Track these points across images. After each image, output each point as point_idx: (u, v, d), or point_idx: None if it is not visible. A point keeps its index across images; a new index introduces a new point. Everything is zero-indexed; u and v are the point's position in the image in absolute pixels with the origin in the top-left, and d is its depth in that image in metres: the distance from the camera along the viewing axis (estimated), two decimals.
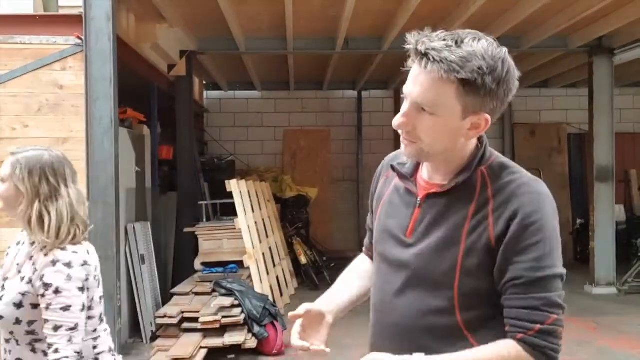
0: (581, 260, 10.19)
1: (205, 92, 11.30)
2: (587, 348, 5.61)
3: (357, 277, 1.68)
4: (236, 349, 5.28)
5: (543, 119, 11.78)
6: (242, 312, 5.38)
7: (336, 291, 1.64)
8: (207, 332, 5.26)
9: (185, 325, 5.32)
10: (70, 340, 1.78)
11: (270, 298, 6.19)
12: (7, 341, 1.91)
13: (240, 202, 6.70)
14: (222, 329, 5.30)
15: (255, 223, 7.13)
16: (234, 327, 5.34)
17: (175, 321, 5.27)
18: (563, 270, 1.30)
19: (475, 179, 1.36)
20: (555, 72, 10.18)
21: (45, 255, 1.83)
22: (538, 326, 1.24)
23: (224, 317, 5.27)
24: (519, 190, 1.31)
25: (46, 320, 1.79)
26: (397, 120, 1.34)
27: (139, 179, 6.46)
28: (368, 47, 8.05)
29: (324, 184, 11.19)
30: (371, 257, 1.65)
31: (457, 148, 1.37)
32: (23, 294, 1.83)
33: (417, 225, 1.39)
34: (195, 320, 5.25)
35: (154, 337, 5.67)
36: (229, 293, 5.54)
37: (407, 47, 1.31)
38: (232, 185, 6.74)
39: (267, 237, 7.71)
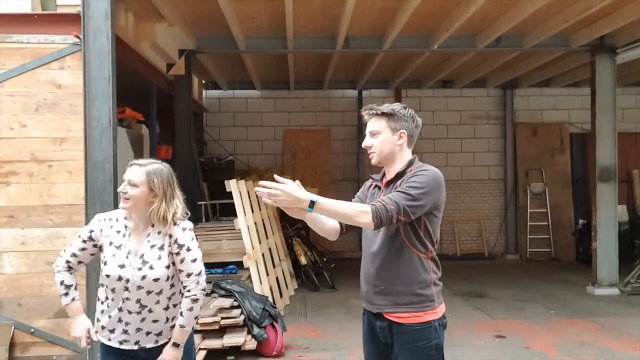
0: (583, 261, 10.17)
1: (204, 92, 11.26)
2: (589, 349, 5.58)
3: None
4: (236, 350, 5.25)
5: (545, 119, 11.74)
6: (242, 313, 5.34)
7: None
8: (206, 334, 5.22)
9: None
10: (198, 283, 2.64)
11: (270, 299, 6.15)
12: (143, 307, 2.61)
13: (239, 202, 6.66)
14: (222, 331, 5.26)
15: (255, 223, 7.08)
16: (233, 328, 5.31)
17: None
18: (415, 195, 2.41)
19: (407, 172, 2.55)
20: (557, 71, 10.13)
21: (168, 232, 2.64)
22: (381, 202, 2.39)
23: (223, 318, 5.24)
24: (420, 168, 2.55)
25: (180, 271, 2.64)
26: (364, 143, 2.64)
27: None
28: (368, 46, 8.01)
29: (324, 184, 11.15)
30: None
31: (396, 155, 2.60)
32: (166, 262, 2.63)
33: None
34: None
35: None
36: (229, 294, 5.50)
37: (362, 112, 2.66)
38: (232, 185, 6.69)
39: (267, 237, 7.67)
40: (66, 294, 2.69)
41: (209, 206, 8.00)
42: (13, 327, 4.95)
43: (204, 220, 7.48)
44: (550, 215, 11.39)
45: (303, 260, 8.59)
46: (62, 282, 2.68)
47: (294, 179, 2.40)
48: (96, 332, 2.70)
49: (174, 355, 2.62)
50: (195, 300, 2.62)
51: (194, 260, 2.65)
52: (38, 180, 5.05)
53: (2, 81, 5.04)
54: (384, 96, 11.59)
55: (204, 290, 2.68)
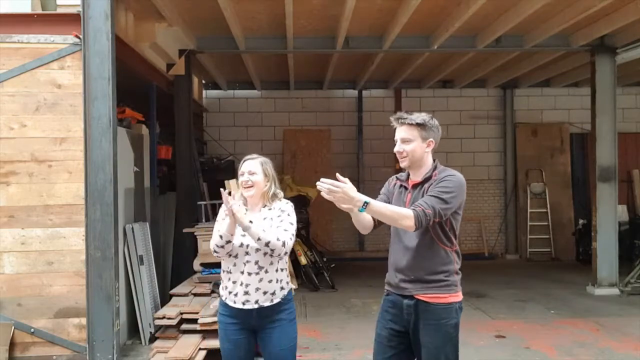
0: (583, 261, 10.17)
1: (204, 92, 11.26)
2: (589, 349, 5.58)
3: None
4: None
5: (545, 119, 11.74)
6: None
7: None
8: (206, 334, 5.21)
9: (185, 326, 5.28)
10: (290, 238, 3.07)
11: None
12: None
13: None
14: None
15: None
16: None
17: (174, 322, 5.23)
18: (447, 199, 2.81)
19: (433, 176, 2.92)
20: (557, 72, 10.12)
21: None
22: (420, 207, 2.75)
23: None
24: (444, 172, 2.92)
25: (278, 226, 3.11)
26: (396, 149, 2.96)
27: (137, 179, 6.42)
28: (368, 46, 8.01)
29: None
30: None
31: (423, 160, 2.96)
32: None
33: (410, 201, 2.92)
34: (195, 321, 5.21)
35: (152, 339, 5.64)
36: None
37: (391, 118, 2.98)
38: (232, 185, 6.68)
39: None
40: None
41: (209, 206, 7.99)
42: (13, 327, 4.95)
43: (204, 220, 7.46)
44: (550, 215, 11.39)
45: (303, 260, 8.59)
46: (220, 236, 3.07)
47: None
48: (225, 298, 3.17)
49: (239, 215, 2.95)
50: (278, 240, 3.02)
51: (291, 223, 3.13)
52: (38, 180, 5.05)
53: (2, 81, 5.05)
54: (384, 96, 11.61)
55: (285, 246, 3.03)
